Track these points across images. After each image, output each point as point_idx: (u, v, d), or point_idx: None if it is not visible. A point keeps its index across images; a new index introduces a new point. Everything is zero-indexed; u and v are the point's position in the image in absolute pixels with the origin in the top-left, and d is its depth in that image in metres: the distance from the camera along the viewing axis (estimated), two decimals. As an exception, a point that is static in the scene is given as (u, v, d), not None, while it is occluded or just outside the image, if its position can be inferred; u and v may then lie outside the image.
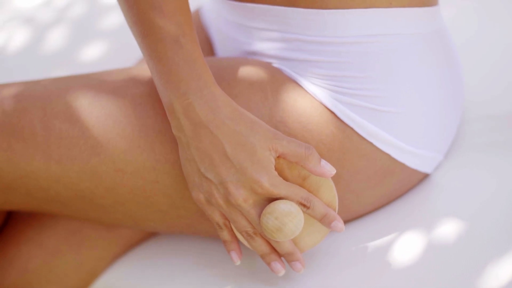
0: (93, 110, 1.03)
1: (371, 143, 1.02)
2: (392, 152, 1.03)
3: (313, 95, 1.02)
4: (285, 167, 0.96)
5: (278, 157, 0.95)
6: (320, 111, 1.01)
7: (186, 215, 1.07)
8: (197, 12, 1.32)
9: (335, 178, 1.02)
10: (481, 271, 0.95)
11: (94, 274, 1.22)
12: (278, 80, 1.03)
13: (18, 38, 1.74)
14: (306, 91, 1.02)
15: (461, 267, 0.97)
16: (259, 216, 0.95)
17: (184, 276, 1.15)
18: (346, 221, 1.10)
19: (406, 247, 1.02)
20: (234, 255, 1.01)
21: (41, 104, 1.05)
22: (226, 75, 1.03)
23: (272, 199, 0.95)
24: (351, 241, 1.07)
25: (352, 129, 1.01)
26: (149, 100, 1.04)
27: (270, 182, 0.93)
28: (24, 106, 1.05)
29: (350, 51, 1.01)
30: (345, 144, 1.01)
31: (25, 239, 1.19)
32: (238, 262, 1.01)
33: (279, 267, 1.00)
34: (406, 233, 1.04)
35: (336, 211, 0.98)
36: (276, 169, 0.96)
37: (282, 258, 1.01)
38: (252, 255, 1.11)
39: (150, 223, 1.09)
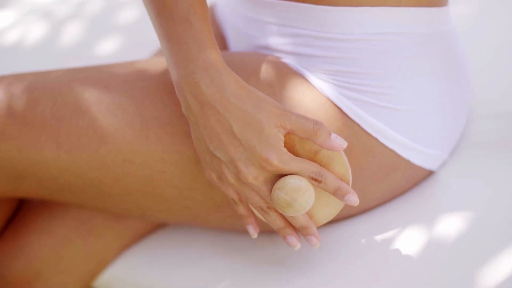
0: (103, 101, 1.05)
1: (376, 139, 1.02)
2: (397, 148, 1.03)
3: (320, 90, 1.02)
4: (295, 142, 0.96)
5: (287, 133, 0.95)
6: (327, 107, 1.02)
7: (194, 206, 1.07)
8: (212, 8, 1.33)
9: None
10: (482, 268, 0.95)
11: (103, 264, 1.23)
12: (286, 75, 1.04)
13: (35, 32, 1.76)
14: (313, 86, 1.03)
15: (463, 263, 0.97)
16: (271, 192, 0.95)
17: (192, 267, 1.16)
18: (350, 216, 1.10)
19: (409, 242, 1.02)
20: (251, 228, 1.02)
21: (52, 95, 1.06)
22: (234, 69, 1.04)
23: (283, 175, 0.95)
24: (355, 235, 1.07)
25: (358, 125, 1.02)
26: (157, 92, 1.04)
27: (279, 159, 0.92)
28: (35, 96, 1.06)
29: (358, 48, 1.02)
30: (351, 140, 1.02)
31: (36, 227, 1.20)
32: (255, 235, 1.02)
33: (295, 241, 1.00)
34: (409, 228, 1.04)
35: (350, 184, 0.97)
36: (286, 144, 0.96)
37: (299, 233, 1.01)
38: (261, 245, 1.12)
39: (158, 214, 1.10)
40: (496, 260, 0.96)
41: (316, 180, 0.95)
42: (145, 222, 1.22)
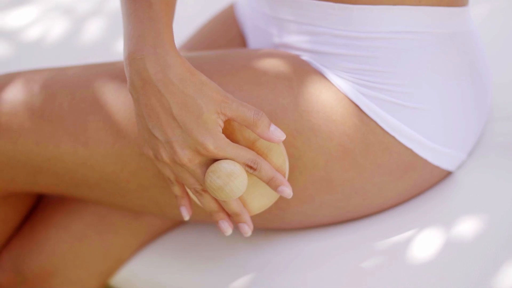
0: (120, 96, 1.05)
1: (393, 137, 1.02)
2: (415, 147, 1.03)
3: (338, 88, 1.02)
4: (235, 128, 0.97)
5: (228, 119, 0.95)
6: (344, 103, 1.02)
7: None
8: (232, 7, 1.34)
9: (357, 170, 1.02)
10: (500, 269, 0.95)
11: (120, 261, 1.23)
12: (304, 71, 1.04)
13: (56, 29, 1.76)
14: (331, 83, 1.03)
15: (481, 265, 0.96)
16: (204, 175, 0.95)
17: (208, 266, 1.16)
18: (367, 215, 1.10)
19: (426, 243, 1.02)
20: (184, 210, 1.03)
21: (70, 89, 1.07)
22: (253, 64, 1.04)
23: (218, 160, 0.95)
24: (372, 235, 1.07)
25: (375, 122, 1.02)
26: None
27: (215, 145, 0.93)
28: (53, 91, 1.07)
29: (377, 46, 1.01)
30: (368, 137, 1.02)
31: (54, 223, 1.20)
32: (187, 218, 1.02)
33: (227, 226, 1.01)
34: (426, 229, 1.03)
35: (286, 177, 0.98)
36: (226, 130, 0.96)
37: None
38: (278, 245, 1.12)
39: (175, 210, 1.10)
40: (510, 263, 0.95)
41: (251, 167, 0.95)
42: (163, 220, 1.23)
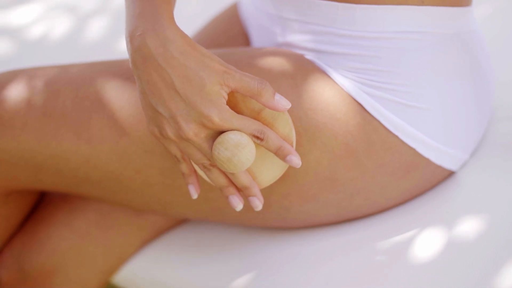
0: (124, 93, 1.05)
1: (397, 137, 1.02)
2: (418, 146, 1.03)
3: (342, 87, 1.02)
4: (239, 100, 0.96)
5: (231, 91, 0.94)
6: (348, 102, 1.02)
7: (213, 198, 1.08)
8: (235, 6, 1.34)
9: (361, 169, 1.02)
10: (502, 269, 0.95)
11: (122, 259, 1.23)
12: (308, 70, 1.04)
13: (59, 27, 1.77)
14: (335, 82, 1.03)
15: (482, 265, 0.97)
16: (212, 149, 0.94)
17: (210, 264, 1.16)
18: (369, 214, 1.10)
19: (428, 243, 1.02)
20: (192, 188, 1.01)
21: (73, 87, 1.07)
22: (257, 62, 1.04)
23: (224, 132, 0.94)
24: (374, 235, 1.07)
25: (379, 121, 1.02)
26: None
27: (220, 117, 0.91)
28: (57, 88, 1.07)
29: (380, 46, 1.02)
30: (371, 136, 1.02)
31: (56, 221, 1.20)
32: (195, 196, 1.01)
33: (237, 201, 0.99)
34: (428, 229, 1.04)
35: (293, 146, 0.97)
36: (230, 102, 0.95)
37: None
38: (281, 243, 1.12)
39: (178, 208, 1.10)
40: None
41: (258, 137, 0.94)
42: (165, 218, 1.23)
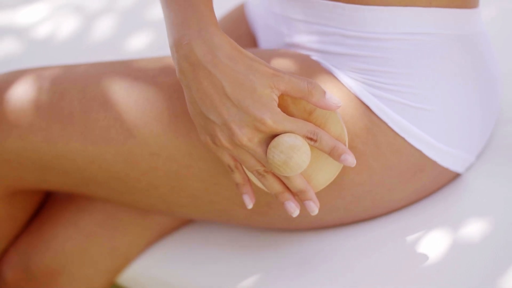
0: (132, 94, 1.05)
1: (403, 139, 1.02)
2: (424, 149, 1.02)
3: (349, 88, 1.02)
4: (289, 102, 0.95)
5: (281, 94, 0.94)
6: (355, 104, 1.01)
7: (219, 201, 1.07)
8: (242, 6, 1.34)
9: (369, 172, 1.02)
10: (507, 272, 0.95)
11: (128, 259, 1.23)
12: (314, 71, 1.03)
13: (66, 27, 1.77)
14: (342, 83, 1.03)
15: (488, 267, 0.96)
16: (266, 153, 0.93)
17: (215, 265, 1.16)
18: (375, 216, 1.10)
19: (434, 245, 1.02)
20: (247, 198, 1.00)
21: (80, 87, 1.07)
22: None
23: (277, 135, 0.93)
24: (380, 236, 1.07)
25: (385, 123, 1.01)
26: None
27: (273, 119, 0.91)
28: (64, 88, 1.07)
29: (388, 47, 1.01)
30: (378, 138, 1.01)
31: (61, 220, 1.20)
32: (250, 205, 1.00)
33: (293, 206, 0.98)
34: (434, 231, 1.03)
35: (346, 145, 0.96)
36: (280, 105, 0.95)
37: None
38: (286, 244, 1.12)
39: (183, 209, 1.10)
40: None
41: (311, 139, 0.94)
42: (171, 219, 1.23)
